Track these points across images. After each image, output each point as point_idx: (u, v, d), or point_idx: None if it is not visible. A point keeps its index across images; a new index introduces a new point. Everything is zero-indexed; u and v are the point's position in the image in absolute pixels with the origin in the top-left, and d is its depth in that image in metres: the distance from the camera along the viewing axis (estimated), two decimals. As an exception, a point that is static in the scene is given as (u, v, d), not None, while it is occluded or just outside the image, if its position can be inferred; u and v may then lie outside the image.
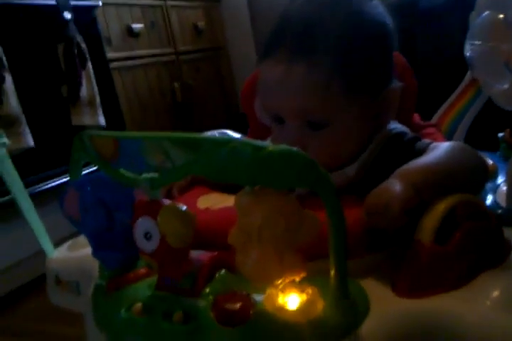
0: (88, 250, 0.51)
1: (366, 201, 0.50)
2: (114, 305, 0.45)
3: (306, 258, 0.39)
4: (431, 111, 0.95)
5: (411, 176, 0.50)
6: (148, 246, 0.40)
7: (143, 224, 0.40)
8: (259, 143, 0.37)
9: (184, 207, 0.40)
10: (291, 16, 0.61)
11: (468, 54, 0.82)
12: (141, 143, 0.39)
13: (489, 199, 0.69)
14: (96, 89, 1.63)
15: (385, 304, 0.46)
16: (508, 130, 0.85)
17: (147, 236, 0.39)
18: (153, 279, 0.44)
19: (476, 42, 0.77)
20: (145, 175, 0.40)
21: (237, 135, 0.90)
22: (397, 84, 0.63)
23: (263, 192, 0.39)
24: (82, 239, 0.67)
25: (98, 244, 0.46)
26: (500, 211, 0.66)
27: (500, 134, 0.87)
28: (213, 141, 0.38)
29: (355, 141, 0.62)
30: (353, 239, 0.48)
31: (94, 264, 0.52)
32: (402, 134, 0.63)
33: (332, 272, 0.40)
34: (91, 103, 1.59)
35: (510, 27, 0.68)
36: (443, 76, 1.53)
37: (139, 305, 0.43)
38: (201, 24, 2.46)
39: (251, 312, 0.40)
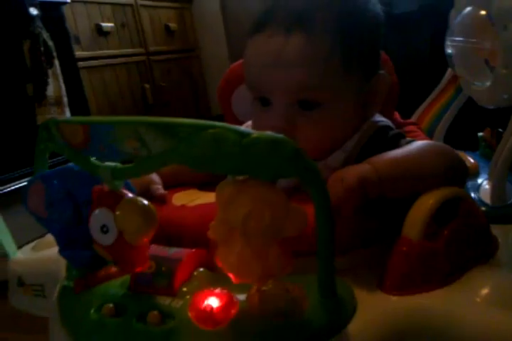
0: (53, 251, 0.48)
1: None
2: (83, 305, 0.41)
3: (292, 254, 0.37)
4: (408, 111, 0.94)
5: (377, 164, 0.48)
6: (104, 240, 0.37)
7: (100, 216, 0.37)
8: (243, 129, 0.35)
9: (146, 202, 0.37)
10: None
11: (449, 51, 0.81)
12: (114, 128, 0.36)
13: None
14: (63, 88, 1.57)
15: (372, 302, 0.44)
16: (488, 129, 0.85)
17: (104, 229, 0.36)
18: (126, 278, 0.41)
19: (457, 39, 0.76)
20: (107, 164, 0.36)
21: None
22: (385, 74, 0.61)
23: (247, 183, 0.36)
24: (47, 239, 0.64)
25: (65, 242, 0.42)
26: (485, 209, 0.65)
27: (480, 133, 0.87)
28: (193, 125, 0.35)
29: (344, 127, 0.59)
30: (341, 235, 0.46)
31: (61, 266, 0.49)
32: (387, 128, 0.61)
33: (319, 269, 0.37)
34: (58, 102, 1.54)
35: (492, 23, 0.68)
36: (418, 76, 1.54)
37: (110, 305, 0.39)
38: (173, 25, 2.42)
39: (233, 311, 0.36)
